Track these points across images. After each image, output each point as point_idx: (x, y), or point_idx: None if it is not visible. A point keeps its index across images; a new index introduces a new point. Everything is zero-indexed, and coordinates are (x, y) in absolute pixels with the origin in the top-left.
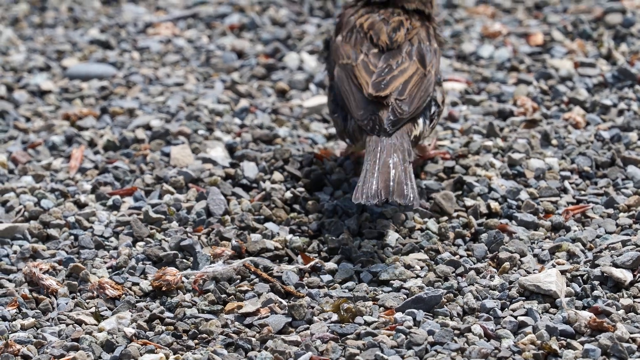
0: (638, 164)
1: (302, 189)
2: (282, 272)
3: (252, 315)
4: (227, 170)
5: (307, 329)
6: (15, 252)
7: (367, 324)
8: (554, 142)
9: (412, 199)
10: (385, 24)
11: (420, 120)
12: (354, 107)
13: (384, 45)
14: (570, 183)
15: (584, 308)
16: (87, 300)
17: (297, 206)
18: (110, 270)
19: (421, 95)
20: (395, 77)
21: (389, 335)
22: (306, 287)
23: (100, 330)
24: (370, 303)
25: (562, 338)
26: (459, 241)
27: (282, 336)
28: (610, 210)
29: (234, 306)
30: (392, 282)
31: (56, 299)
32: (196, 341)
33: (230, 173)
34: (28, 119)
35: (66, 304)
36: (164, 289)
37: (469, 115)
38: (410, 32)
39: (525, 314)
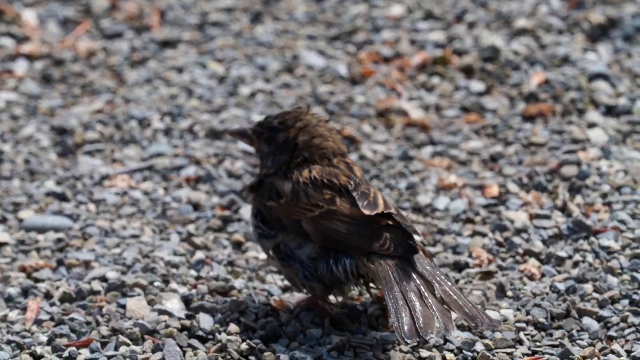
0: (593, 315)
1: (258, 341)
2: None
3: None
4: (183, 322)
5: None
6: None
7: None
8: (509, 293)
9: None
10: (334, 168)
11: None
12: (360, 242)
13: (347, 183)
14: (526, 334)
15: None
16: None
17: (253, 357)
18: None
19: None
20: (375, 197)
21: None
22: None
23: None
24: None
25: None
26: None
27: None
28: None
29: None
30: None
31: None
32: None
33: (186, 325)
34: None
35: None
36: None
37: None
38: (357, 167)
39: None
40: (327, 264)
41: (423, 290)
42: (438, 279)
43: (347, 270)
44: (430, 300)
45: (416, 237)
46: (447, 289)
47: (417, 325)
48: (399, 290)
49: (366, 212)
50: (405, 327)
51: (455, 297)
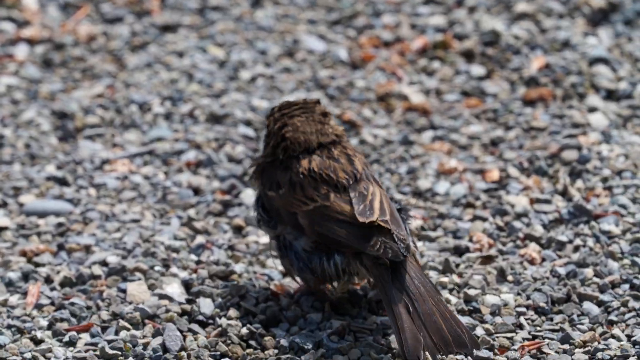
0: (594, 300)
1: (258, 325)
2: None
3: None
4: (183, 307)
5: None
6: None
7: None
8: (510, 278)
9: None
10: (334, 161)
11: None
12: (352, 241)
13: (345, 180)
14: (526, 319)
15: None
16: None
17: (253, 342)
18: None
19: (396, 212)
20: (372, 200)
21: None
22: None
23: None
24: None
25: None
26: None
27: None
28: (566, 346)
29: None
30: None
31: None
32: None
33: (187, 309)
34: None
35: None
36: None
37: (425, 252)
38: (359, 157)
39: None
40: (320, 259)
41: (410, 308)
42: (422, 296)
43: (338, 267)
44: (417, 320)
45: (410, 244)
46: (427, 309)
47: (404, 348)
48: (392, 302)
49: (361, 219)
50: (402, 346)
51: (435, 317)
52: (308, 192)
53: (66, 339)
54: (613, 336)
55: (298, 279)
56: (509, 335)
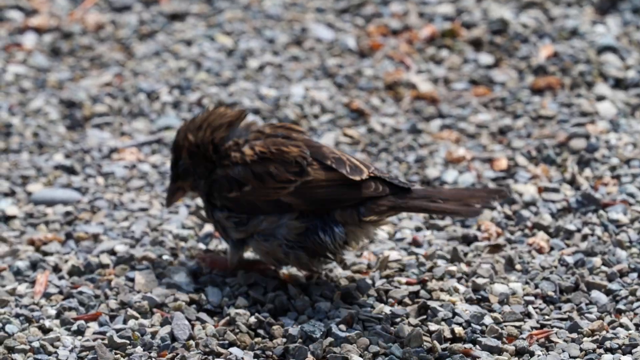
0: (602, 288)
1: (266, 314)
2: None
3: None
4: (191, 296)
5: None
6: None
7: None
8: (518, 267)
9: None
10: (274, 137)
11: None
12: (352, 194)
13: (300, 152)
14: (534, 308)
15: None
16: None
17: (261, 331)
18: None
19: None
20: (349, 159)
21: None
22: None
23: None
24: None
25: None
26: None
27: None
28: (574, 335)
29: None
30: None
31: None
32: None
33: (195, 298)
34: None
35: None
36: None
37: (433, 240)
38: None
39: None
40: (316, 234)
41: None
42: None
43: (337, 238)
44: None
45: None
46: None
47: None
48: (419, 206)
49: (357, 178)
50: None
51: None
52: (279, 177)
53: (74, 327)
54: (621, 325)
55: (289, 261)
56: (517, 324)
